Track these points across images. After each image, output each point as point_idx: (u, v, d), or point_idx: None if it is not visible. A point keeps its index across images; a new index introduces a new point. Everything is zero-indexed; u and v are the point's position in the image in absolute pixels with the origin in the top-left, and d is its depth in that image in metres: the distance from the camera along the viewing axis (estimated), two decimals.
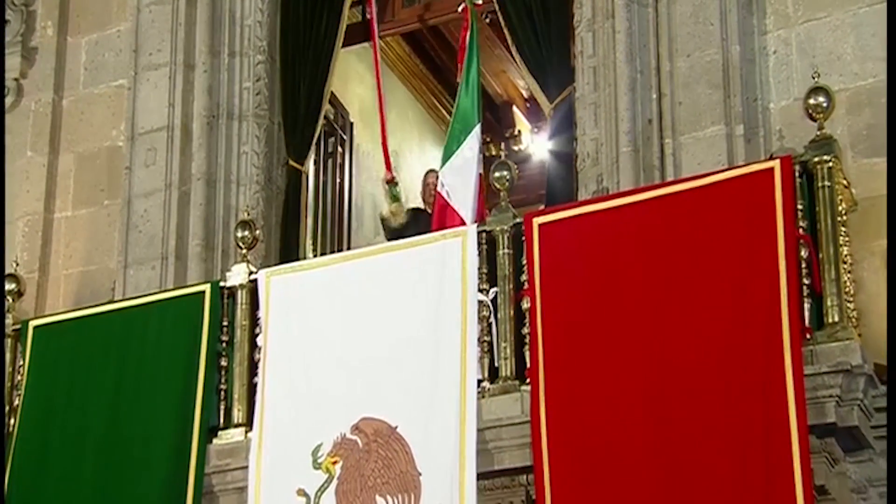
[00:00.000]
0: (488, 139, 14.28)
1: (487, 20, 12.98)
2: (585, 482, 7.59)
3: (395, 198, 10.00)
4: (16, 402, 9.03)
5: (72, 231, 10.21)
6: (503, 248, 8.19)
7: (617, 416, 7.60)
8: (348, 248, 10.52)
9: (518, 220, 8.21)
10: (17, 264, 9.79)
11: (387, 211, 10.06)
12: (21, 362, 9.09)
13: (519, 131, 14.26)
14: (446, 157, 9.31)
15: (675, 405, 7.47)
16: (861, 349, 7.35)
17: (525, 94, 13.66)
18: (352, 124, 10.93)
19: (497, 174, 8.36)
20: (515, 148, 14.27)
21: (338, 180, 10.65)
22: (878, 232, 8.05)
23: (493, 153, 14.48)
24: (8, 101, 10.49)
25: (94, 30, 10.52)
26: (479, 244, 8.19)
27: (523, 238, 8.14)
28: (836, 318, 7.43)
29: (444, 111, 13.57)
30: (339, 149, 10.73)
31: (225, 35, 9.95)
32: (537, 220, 8.12)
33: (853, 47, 8.51)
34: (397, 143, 11.93)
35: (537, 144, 13.59)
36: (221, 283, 8.82)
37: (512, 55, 9.59)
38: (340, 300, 8.48)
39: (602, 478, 7.56)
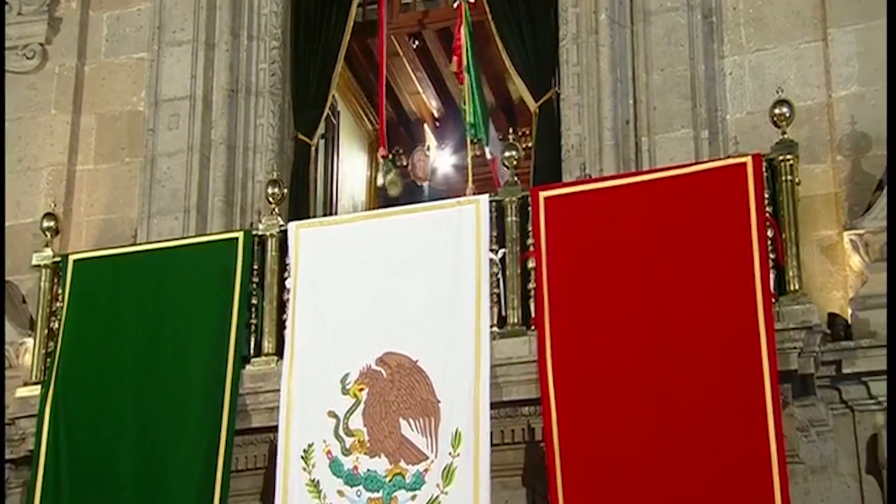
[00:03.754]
0: (401, 151, 15.49)
1: (415, 46, 14.18)
2: (587, 412, 8.64)
3: (390, 170, 11.06)
4: (54, 326, 9.69)
5: (93, 182, 10.81)
6: (511, 215, 9.27)
7: (616, 357, 8.67)
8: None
9: (525, 192, 9.32)
10: (55, 204, 10.40)
11: (383, 181, 11.09)
12: (60, 291, 9.76)
13: (428, 146, 14.82)
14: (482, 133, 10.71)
15: (666, 354, 8.60)
16: (818, 311, 8.74)
17: (436, 114, 14.53)
18: (339, 112, 11.84)
19: (507, 154, 9.49)
20: None
21: (329, 158, 11.65)
22: (816, 225, 9.43)
23: (405, 164, 15.71)
24: (33, 63, 11.08)
25: (116, 6, 11.21)
26: (490, 211, 9.22)
27: (529, 208, 9.20)
28: (797, 287, 8.76)
29: (367, 122, 14.57)
30: (331, 132, 11.67)
31: (244, 20, 10.78)
32: (543, 194, 9.20)
33: (795, 74, 9.82)
34: None
35: (441, 160, 14.37)
36: (253, 232, 9.59)
37: (503, 60, 10.67)
38: (366, 252, 9.30)
39: (602, 407, 8.62)
